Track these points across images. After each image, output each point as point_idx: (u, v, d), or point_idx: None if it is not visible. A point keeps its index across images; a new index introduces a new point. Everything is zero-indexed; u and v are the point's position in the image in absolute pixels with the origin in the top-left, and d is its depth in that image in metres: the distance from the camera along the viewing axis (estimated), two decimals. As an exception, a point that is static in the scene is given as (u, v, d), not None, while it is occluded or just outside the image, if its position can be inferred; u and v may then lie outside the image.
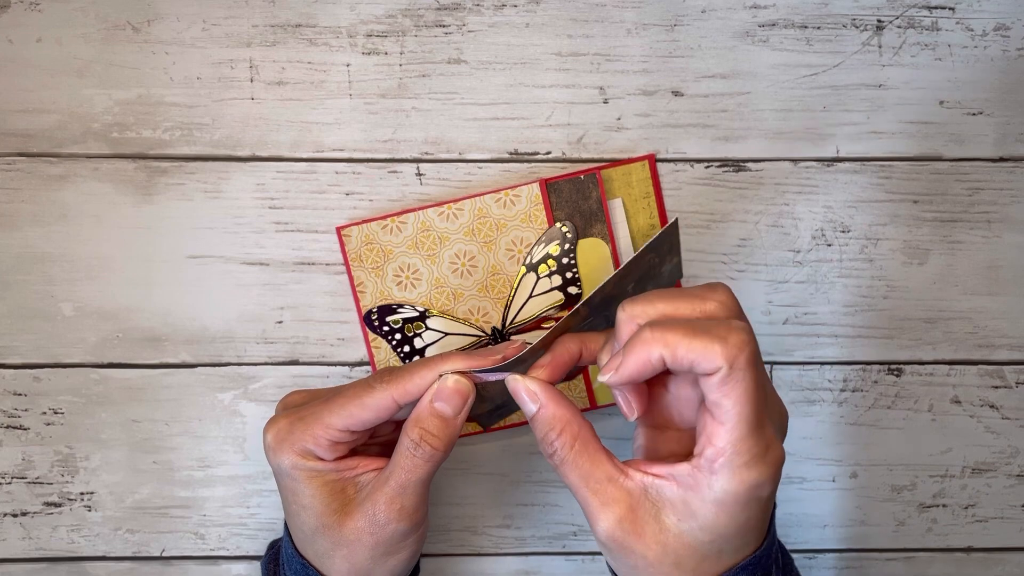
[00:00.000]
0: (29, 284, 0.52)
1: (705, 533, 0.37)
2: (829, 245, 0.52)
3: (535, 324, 0.51)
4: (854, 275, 0.53)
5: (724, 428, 0.35)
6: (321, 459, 0.42)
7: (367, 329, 0.51)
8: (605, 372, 0.37)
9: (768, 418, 0.37)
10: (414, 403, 0.41)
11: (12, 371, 0.52)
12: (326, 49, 0.51)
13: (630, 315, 0.37)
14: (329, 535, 0.42)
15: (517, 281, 0.51)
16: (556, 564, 0.54)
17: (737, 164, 0.52)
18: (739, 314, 0.37)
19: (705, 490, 0.36)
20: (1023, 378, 0.53)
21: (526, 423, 0.52)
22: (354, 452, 0.43)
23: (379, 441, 0.45)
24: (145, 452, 0.52)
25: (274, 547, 0.49)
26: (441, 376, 0.41)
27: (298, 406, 0.44)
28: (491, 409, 0.47)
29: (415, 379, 0.41)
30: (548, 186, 0.51)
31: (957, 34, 0.52)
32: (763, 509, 0.37)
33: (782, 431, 0.39)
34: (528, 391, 0.39)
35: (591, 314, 0.41)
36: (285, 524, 0.45)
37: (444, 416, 0.41)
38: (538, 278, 0.51)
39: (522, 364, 0.40)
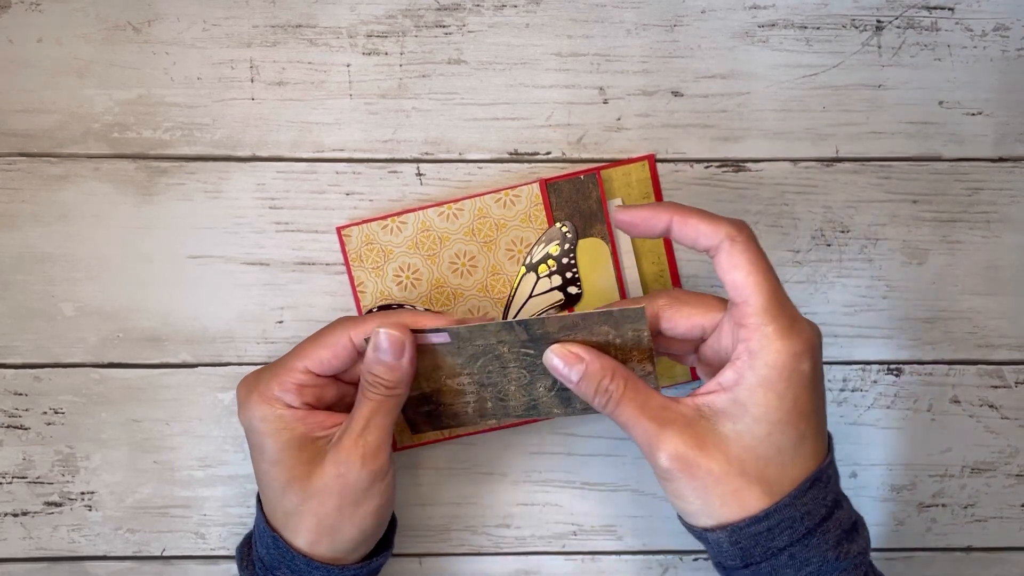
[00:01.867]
0: (29, 284, 0.52)
1: (760, 425, 0.38)
2: (828, 245, 0.52)
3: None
4: (853, 275, 0.53)
5: (747, 305, 0.39)
6: (290, 406, 0.44)
7: (367, 329, 0.52)
8: (619, 211, 0.42)
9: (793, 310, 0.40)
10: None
11: (12, 371, 0.52)
12: (326, 49, 0.51)
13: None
14: (299, 488, 0.43)
15: (517, 281, 0.51)
16: (556, 564, 0.54)
17: (737, 164, 0.52)
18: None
19: (749, 377, 0.38)
20: (1022, 378, 0.53)
21: (524, 423, 0.52)
22: (317, 407, 0.45)
23: (342, 399, 0.47)
24: (145, 452, 0.52)
25: (249, 535, 0.49)
26: (379, 327, 0.43)
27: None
28: (427, 410, 0.47)
29: (369, 323, 0.44)
30: (548, 186, 0.51)
31: (956, 34, 0.52)
32: (810, 391, 0.39)
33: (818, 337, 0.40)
34: (570, 354, 0.42)
35: (529, 338, 0.43)
36: (258, 499, 0.46)
37: (387, 362, 0.43)
38: (538, 278, 0.51)
39: (458, 339, 0.43)
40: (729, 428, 0.39)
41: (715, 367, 0.43)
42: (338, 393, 0.46)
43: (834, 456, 0.42)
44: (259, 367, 0.46)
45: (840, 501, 0.41)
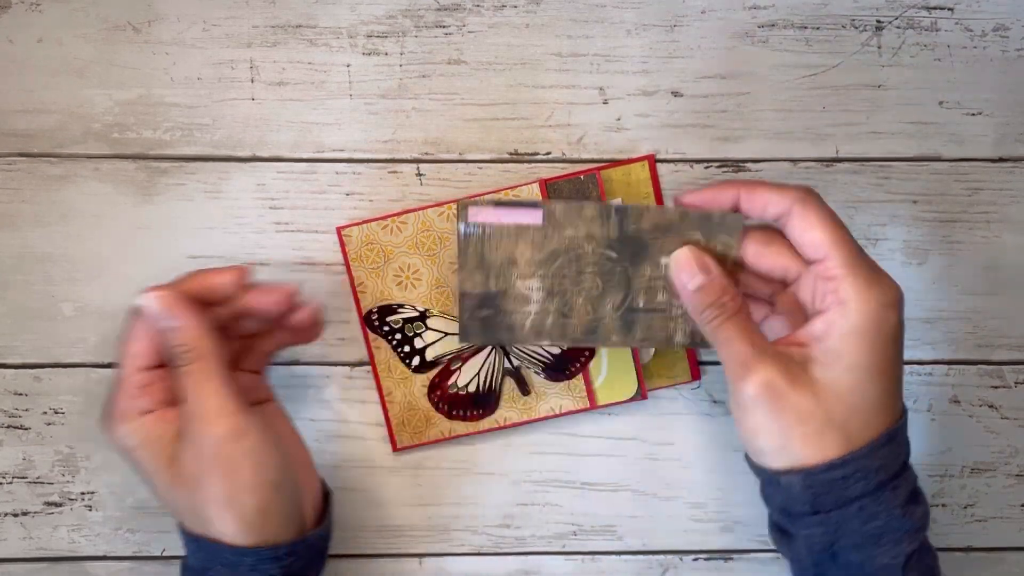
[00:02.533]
0: (29, 284, 0.52)
1: (852, 373, 0.39)
2: (829, 245, 0.52)
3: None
4: (853, 275, 0.53)
5: (830, 259, 0.40)
6: (146, 411, 0.42)
7: (367, 329, 0.52)
8: (687, 196, 0.44)
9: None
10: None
11: (12, 371, 0.52)
12: (326, 50, 0.51)
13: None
14: (181, 484, 0.42)
15: (517, 281, 0.51)
16: (556, 564, 0.54)
17: (737, 164, 0.52)
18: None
19: (841, 325, 0.39)
20: (1022, 378, 0.53)
21: (525, 423, 0.52)
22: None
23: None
24: (145, 452, 0.52)
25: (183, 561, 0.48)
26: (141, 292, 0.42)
27: None
28: (485, 314, 0.45)
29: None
30: (548, 186, 0.51)
31: (956, 35, 0.52)
32: (896, 345, 0.40)
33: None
34: (701, 260, 0.43)
35: (618, 236, 0.44)
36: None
37: (169, 327, 0.42)
38: (538, 278, 0.51)
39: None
40: (820, 373, 0.39)
41: (795, 318, 0.43)
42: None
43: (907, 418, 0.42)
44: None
45: (909, 464, 0.42)
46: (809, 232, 0.40)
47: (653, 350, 0.52)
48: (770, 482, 0.42)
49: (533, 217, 0.43)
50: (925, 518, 0.41)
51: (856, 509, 0.40)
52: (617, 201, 0.47)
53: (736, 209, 0.43)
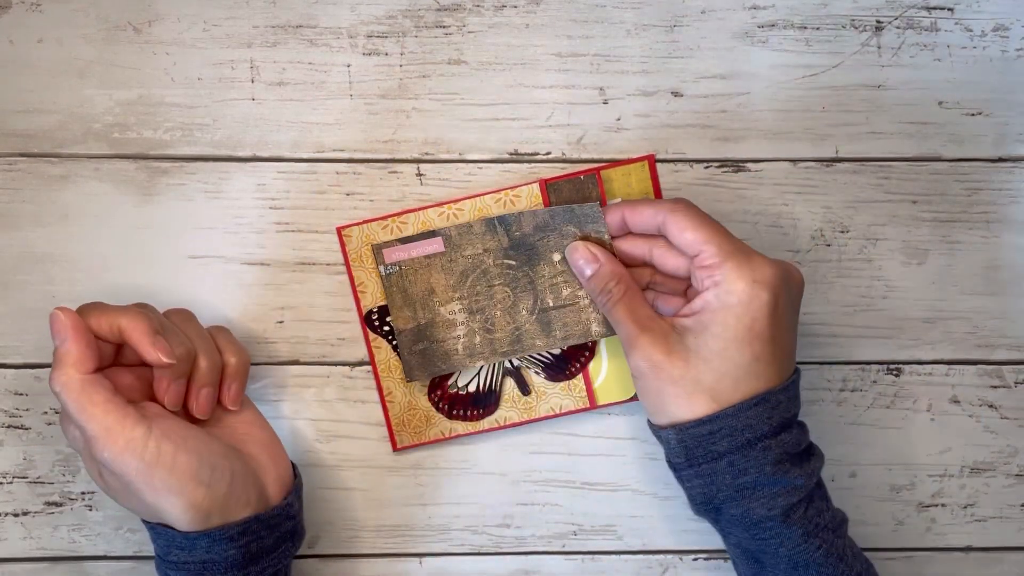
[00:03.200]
0: (30, 284, 0.52)
1: (717, 341, 0.44)
2: (828, 245, 0.53)
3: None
4: (853, 275, 0.53)
5: (703, 253, 0.45)
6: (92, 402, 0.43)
7: (367, 329, 0.52)
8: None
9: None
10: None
11: (13, 371, 0.52)
12: (327, 50, 0.51)
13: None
14: (117, 494, 0.45)
15: (517, 281, 0.51)
16: (556, 564, 0.54)
17: (736, 164, 0.52)
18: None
19: (712, 301, 0.44)
20: (1022, 378, 0.53)
21: (525, 423, 0.52)
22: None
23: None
24: (146, 452, 0.52)
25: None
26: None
27: None
28: (421, 348, 0.48)
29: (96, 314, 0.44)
30: (548, 186, 0.51)
31: (956, 35, 0.52)
32: (769, 318, 0.44)
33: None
34: (589, 252, 0.48)
35: (510, 243, 0.49)
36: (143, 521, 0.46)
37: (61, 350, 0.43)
38: (538, 278, 0.51)
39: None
40: (692, 342, 0.45)
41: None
42: (137, 388, 0.46)
43: (797, 390, 0.46)
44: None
45: (792, 427, 0.46)
46: (682, 235, 0.45)
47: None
48: (657, 436, 0.47)
49: (435, 245, 0.47)
50: (809, 476, 0.45)
51: (726, 464, 0.45)
52: (503, 215, 0.50)
53: (624, 228, 0.48)
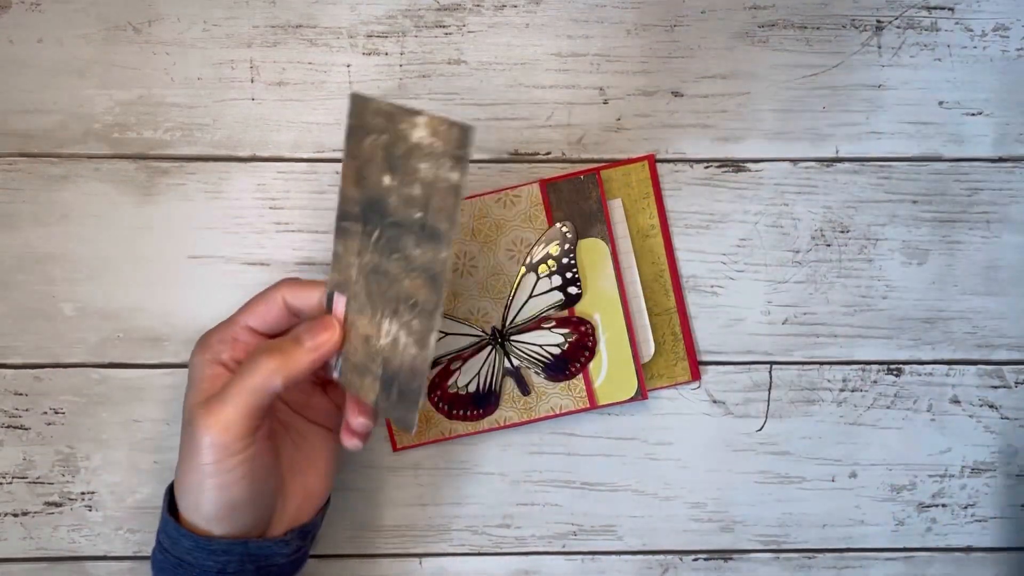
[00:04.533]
0: (30, 284, 0.52)
1: None
2: (828, 245, 0.53)
3: (536, 324, 0.51)
4: (853, 275, 0.53)
5: None
6: (219, 362, 0.44)
7: (367, 329, 0.51)
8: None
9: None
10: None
11: (13, 371, 0.52)
12: (326, 50, 0.51)
13: None
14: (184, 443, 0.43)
15: (517, 281, 0.51)
16: (556, 564, 0.54)
17: (737, 164, 0.52)
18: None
19: None
20: (1022, 378, 0.53)
21: (525, 423, 0.52)
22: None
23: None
24: (146, 452, 0.52)
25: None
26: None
27: None
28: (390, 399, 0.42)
29: (308, 287, 0.44)
30: (548, 186, 0.51)
31: (956, 34, 0.52)
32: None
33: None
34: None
35: (363, 216, 0.42)
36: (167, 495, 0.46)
37: (313, 338, 0.43)
38: (538, 278, 0.51)
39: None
40: None
41: None
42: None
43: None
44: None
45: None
46: None
47: (653, 349, 0.52)
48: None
49: (338, 304, 0.43)
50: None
51: None
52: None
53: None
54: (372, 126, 0.40)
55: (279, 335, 0.45)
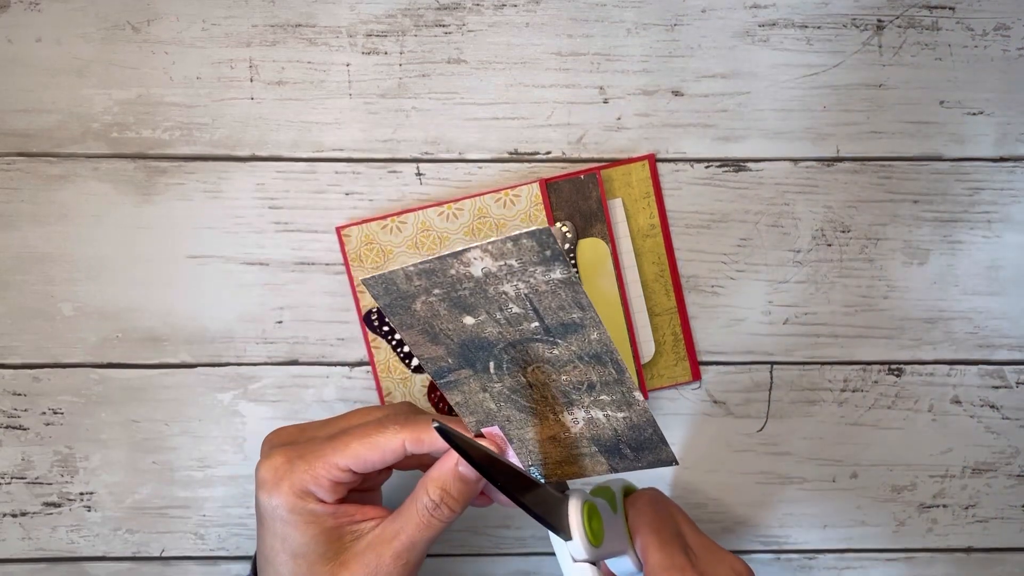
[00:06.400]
0: (29, 284, 0.52)
1: None
2: (829, 245, 0.52)
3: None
4: (854, 275, 0.53)
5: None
6: (322, 501, 0.41)
7: (367, 329, 0.51)
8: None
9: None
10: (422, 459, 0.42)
11: (12, 371, 0.52)
12: (326, 49, 0.51)
13: None
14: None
15: (517, 281, 0.51)
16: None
17: (737, 164, 0.52)
18: None
19: None
20: (1023, 378, 0.53)
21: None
22: (346, 498, 0.42)
23: (365, 487, 0.45)
24: (145, 452, 0.52)
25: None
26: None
27: (292, 443, 0.42)
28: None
29: (422, 427, 0.40)
30: (548, 186, 0.51)
31: (957, 34, 0.52)
32: None
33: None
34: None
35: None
36: (253, 566, 0.44)
37: (468, 480, 0.40)
38: (538, 278, 0.51)
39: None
40: None
41: None
42: (366, 481, 0.44)
43: None
44: (286, 449, 0.41)
45: None
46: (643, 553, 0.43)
47: (654, 349, 0.52)
48: None
49: (492, 434, 0.41)
50: None
51: None
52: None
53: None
54: (411, 292, 0.37)
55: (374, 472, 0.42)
